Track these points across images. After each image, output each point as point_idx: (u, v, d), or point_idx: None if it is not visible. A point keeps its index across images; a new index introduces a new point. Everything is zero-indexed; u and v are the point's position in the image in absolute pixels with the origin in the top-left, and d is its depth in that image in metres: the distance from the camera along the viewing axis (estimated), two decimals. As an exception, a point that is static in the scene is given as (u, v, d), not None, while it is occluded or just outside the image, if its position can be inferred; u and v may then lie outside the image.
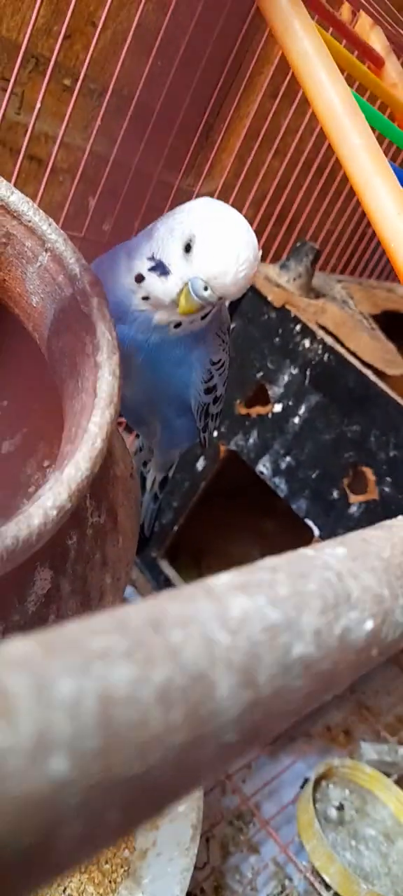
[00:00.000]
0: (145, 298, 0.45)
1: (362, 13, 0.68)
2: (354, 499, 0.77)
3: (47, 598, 0.37)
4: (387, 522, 0.29)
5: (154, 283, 0.45)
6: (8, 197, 0.37)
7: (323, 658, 0.21)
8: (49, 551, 0.37)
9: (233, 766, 0.74)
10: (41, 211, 0.37)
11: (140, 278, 0.45)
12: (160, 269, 0.44)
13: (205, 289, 0.42)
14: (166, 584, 0.90)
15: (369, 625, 0.23)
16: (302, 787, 0.77)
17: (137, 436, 0.66)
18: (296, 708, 0.21)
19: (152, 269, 0.44)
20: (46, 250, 0.37)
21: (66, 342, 0.37)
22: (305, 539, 0.82)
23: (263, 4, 0.44)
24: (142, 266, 0.45)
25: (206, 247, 0.42)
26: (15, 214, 0.37)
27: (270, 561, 0.24)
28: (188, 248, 0.43)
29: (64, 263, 0.37)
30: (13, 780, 0.14)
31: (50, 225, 0.37)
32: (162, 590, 0.88)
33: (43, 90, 0.63)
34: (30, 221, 0.37)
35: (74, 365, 0.36)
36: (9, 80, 0.62)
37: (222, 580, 0.21)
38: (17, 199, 0.36)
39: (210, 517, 0.98)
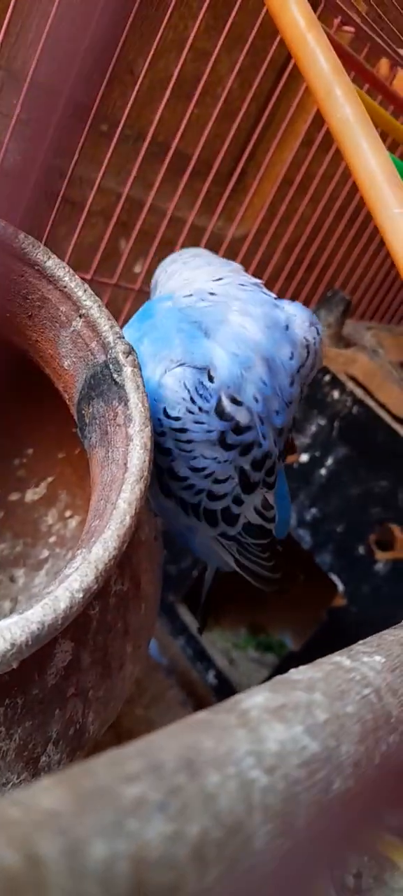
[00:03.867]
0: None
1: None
2: (381, 556, 0.76)
3: (67, 671, 0.36)
4: (427, 624, 0.28)
5: None
6: (44, 262, 0.36)
7: (361, 792, 0.20)
8: (71, 623, 0.36)
9: None
10: (77, 277, 0.36)
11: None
12: None
13: None
14: (183, 630, 0.88)
15: (411, 752, 0.22)
16: (318, 850, 0.75)
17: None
18: (335, 847, 0.19)
19: None
20: (80, 316, 0.36)
21: (97, 409, 0.36)
22: (330, 589, 0.80)
23: (305, 72, 0.43)
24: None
25: None
26: (51, 279, 0.37)
27: (306, 674, 0.23)
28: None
29: (98, 330, 0.36)
30: None
31: (85, 291, 0.36)
32: (178, 636, 0.87)
33: (82, 137, 0.64)
34: (65, 287, 0.36)
35: (105, 433, 0.36)
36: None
37: (257, 701, 0.20)
38: (54, 265, 0.36)
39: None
